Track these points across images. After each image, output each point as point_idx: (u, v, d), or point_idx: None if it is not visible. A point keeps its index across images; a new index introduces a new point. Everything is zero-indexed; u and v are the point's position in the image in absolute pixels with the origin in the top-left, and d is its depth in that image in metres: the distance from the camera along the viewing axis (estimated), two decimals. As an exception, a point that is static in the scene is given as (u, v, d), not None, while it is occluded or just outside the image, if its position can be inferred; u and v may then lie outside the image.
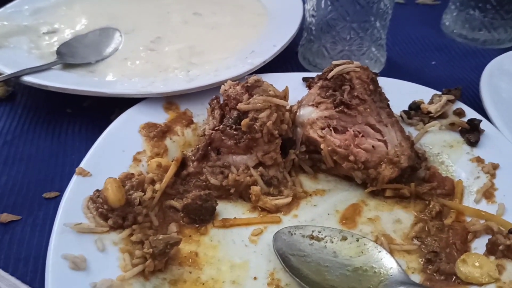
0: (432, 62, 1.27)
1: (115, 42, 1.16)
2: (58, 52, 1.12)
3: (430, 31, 1.41)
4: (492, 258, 0.71)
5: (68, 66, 1.10)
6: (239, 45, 1.17)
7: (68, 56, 1.11)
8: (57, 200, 0.86)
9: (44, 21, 1.29)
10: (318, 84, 0.91)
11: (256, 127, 0.83)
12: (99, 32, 1.20)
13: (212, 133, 0.85)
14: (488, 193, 0.81)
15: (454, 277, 0.71)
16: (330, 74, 0.89)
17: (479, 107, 0.99)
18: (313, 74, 1.06)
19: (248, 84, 0.87)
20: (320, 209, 0.83)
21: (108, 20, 1.28)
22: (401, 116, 0.96)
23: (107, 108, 1.05)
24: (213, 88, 0.98)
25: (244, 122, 0.83)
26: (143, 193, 0.79)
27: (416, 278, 0.72)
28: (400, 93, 0.99)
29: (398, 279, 0.69)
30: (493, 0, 1.25)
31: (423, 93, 1.00)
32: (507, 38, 1.31)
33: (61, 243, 0.69)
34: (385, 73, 1.20)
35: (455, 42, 1.35)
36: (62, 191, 0.87)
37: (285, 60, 1.21)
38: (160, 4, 1.38)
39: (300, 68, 1.23)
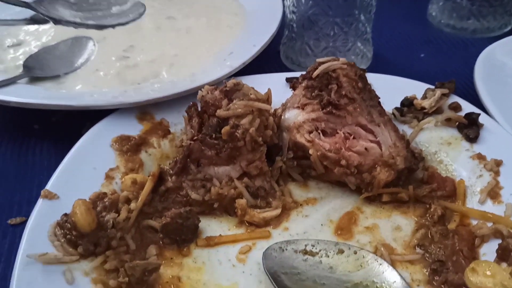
0: (421, 55, 1.22)
1: (88, 52, 1.07)
2: (25, 65, 1.04)
3: (416, 23, 1.35)
4: (504, 265, 0.65)
5: (35, 79, 1.01)
6: (216, 48, 1.10)
7: (36, 69, 1.03)
8: (23, 226, 0.78)
9: (8, 33, 1.21)
10: (303, 85, 0.84)
11: (238, 134, 0.76)
12: (71, 41, 1.11)
13: (190, 143, 0.78)
14: (493, 193, 0.75)
15: (464, 289, 0.65)
16: (315, 73, 0.82)
17: (474, 100, 0.93)
18: (297, 74, 1.00)
19: (227, 88, 0.81)
20: (312, 220, 0.77)
21: (76, 29, 1.20)
22: (393, 113, 0.90)
23: (78, 122, 0.97)
24: (191, 95, 0.92)
25: (225, 130, 0.76)
26: (117, 214, 0.71)
27: (422, 291, 0.66)
28: (391, 89, 0.93)
29: (403, 295, 0.63)
30: (480, -13, 1.20)
31: (415, 88, 0.95)
32: (496, 26, 1.26)
33: (24, 277, 0.62)
34: (373, 68, 1.14)
35: (443, 33, 1.30)
36: (28, 216, 0.80)
37: (267, 61, 1.14)
38: (131, 9, 1.30)
39: (283, 68, 1.17)
